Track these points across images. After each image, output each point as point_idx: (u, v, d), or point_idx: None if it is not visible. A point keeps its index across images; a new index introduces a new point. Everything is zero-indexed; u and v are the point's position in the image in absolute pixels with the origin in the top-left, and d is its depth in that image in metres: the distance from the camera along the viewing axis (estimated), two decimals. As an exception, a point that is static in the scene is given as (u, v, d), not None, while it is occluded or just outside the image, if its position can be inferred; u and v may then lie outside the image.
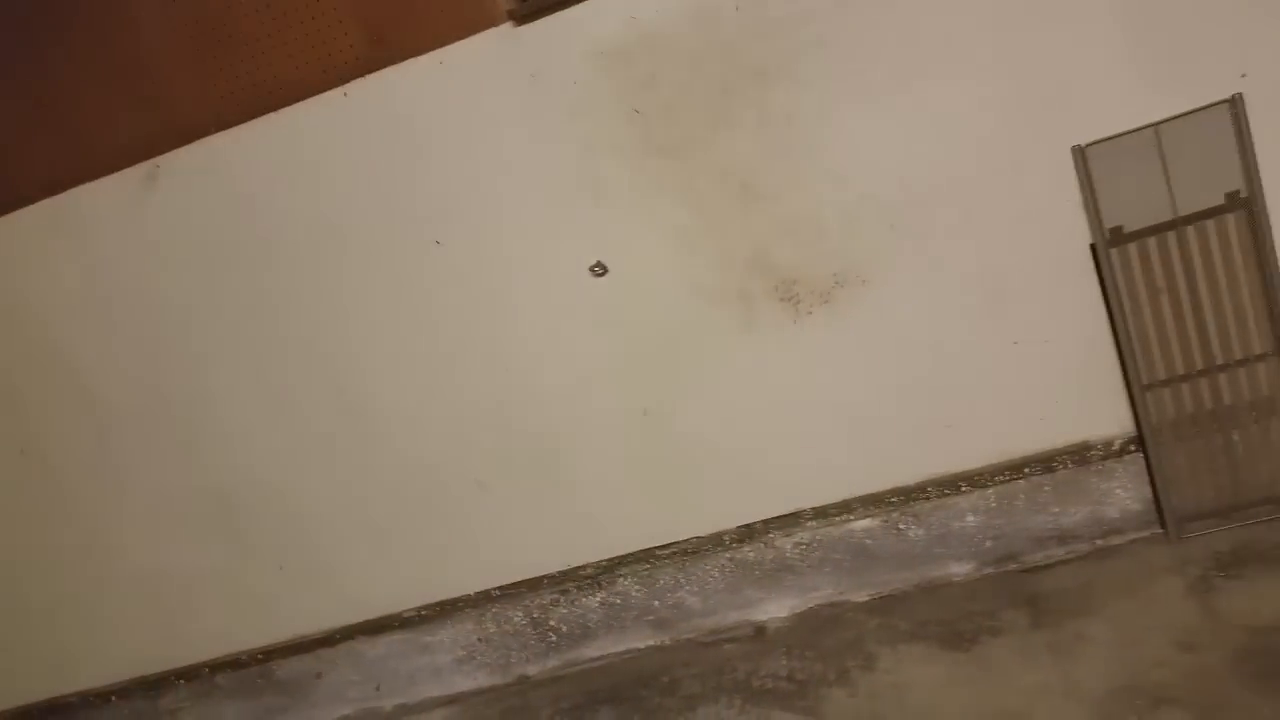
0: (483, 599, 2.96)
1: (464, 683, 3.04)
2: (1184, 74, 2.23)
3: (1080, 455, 2.55)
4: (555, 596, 2.92)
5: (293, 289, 2.69)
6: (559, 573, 2.90)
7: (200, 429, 2.90)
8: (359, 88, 2.43)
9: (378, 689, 3.08)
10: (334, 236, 2.61)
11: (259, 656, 3.09)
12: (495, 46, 2.36)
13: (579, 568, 2.89)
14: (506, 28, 2.35)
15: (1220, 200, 2.32)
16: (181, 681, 3.15)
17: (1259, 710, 2.01)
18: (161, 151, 2.58)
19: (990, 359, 2.50)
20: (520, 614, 2.96)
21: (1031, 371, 2.50)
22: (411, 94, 2.43)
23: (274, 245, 2.65)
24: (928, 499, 2.64)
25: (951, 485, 2.62)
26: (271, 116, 2.48)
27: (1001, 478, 2.60)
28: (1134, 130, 2.28)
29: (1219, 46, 2.21)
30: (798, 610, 2.81)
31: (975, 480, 2.61)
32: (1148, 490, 2.55)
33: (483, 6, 2.33)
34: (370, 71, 2.41)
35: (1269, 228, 2.31)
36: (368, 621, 3.03)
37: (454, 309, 2.62)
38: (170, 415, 2.91)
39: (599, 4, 2.32)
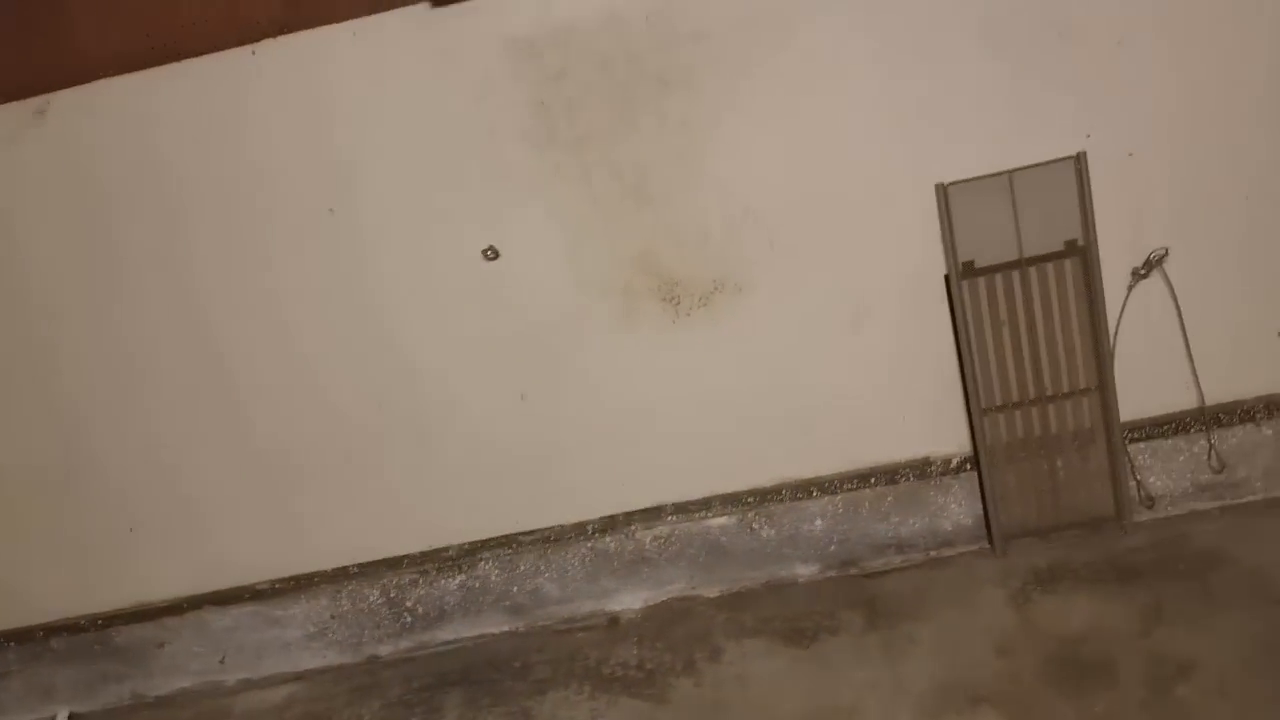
0: (340, 575, 2.95)
1: (312, 660, 3.01)
2: (1039, 129, 2.48)
3: (921, 470, 2.76)
4: (414, 577, 2.94)
5: (174, 243, 2.65)
6: (420, 553, 2.92)
7: (58, 380, 2.80)
8: (268, 48, 2.45)
9: (222, 662, 3.01)
10: (225, 194, 2.60)
11: (99, 622, 2.98)
12: (411, 24, 2.43)
13: (442, 549, 2.91)
14: (424, 8, 2.42)
15: (1060, 246, 2.57)
16: (12, 644, 3.00)
17: (1062, 711, 2.21)
18: (54, 89, 2.52)
19: (847, 372, 2.68)
20: (377, 593, 2.95)
21: (883, 387, 2.69)
22: (321, 61, 2.46)
23: (163, 197, 2.61)
24: (781, 501, 2.80)
25: (804, 489, 2.79)
26: (175, 65, 2.47)
27: (849, 485, 2.77)
28: (992, 175, 2.52)
29: (1070, 108, 2.46)
30: (651, 602, 2.91)
31: (825, 486, 2.78)
32: (979, 507, 2.77)
33: (403, -15, 2.40)
34: (282, 34, 2.43)
35: (1100, 275, 2.57)
36: (218, 591, 2.96)
37: (340, 278, 2.64)
38: (27, 365, 2.80)
39: (516, -2, 2.42)
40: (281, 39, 2.45)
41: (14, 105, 2.55)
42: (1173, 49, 2.39)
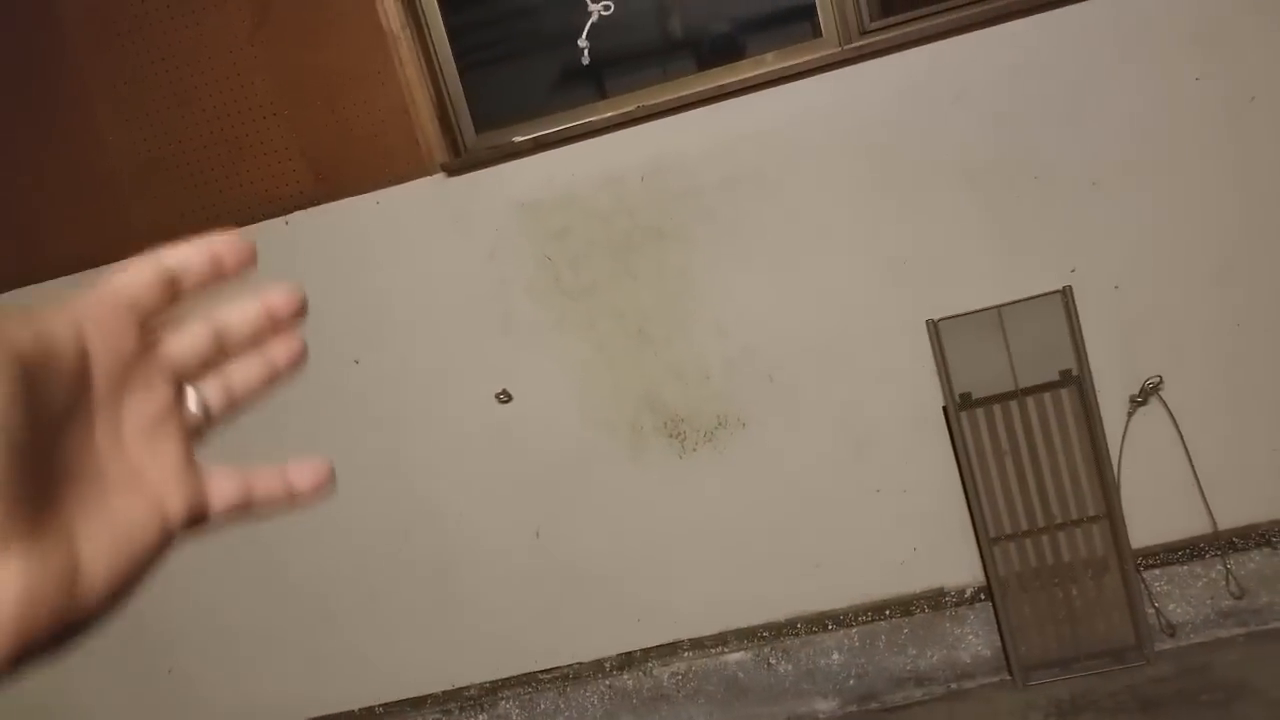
0: (367, 715, 3.01)
1: (339, 802, 3.04)
2: (1024, 265, 2.58)
3: (935, 601, 2.76)
4: (438, 717, 2.98)
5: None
6: (443, 693, 2.97)
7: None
8: (300, 218, 2.69)
9: (250, 805, 3.05)
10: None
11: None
12: (428, 192, 2.65)
13: (463, 688, 2.96)
14: (439, 177, 2.64)
15: (1055, 376, 2.64)
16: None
17: None
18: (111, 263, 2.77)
19: (854, 505, 2.73)
20: (402, 733, 3.00)
21: (891, 518, 2.73)
22: (347, 227, 2.68)
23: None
24: (797, 635, 2.81)
25: (819, 623, 2.80)
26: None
27: (864, 618, 2.78)
28: (980, 310, 2.61)
29: (1053, 245, 2.57)
30: (671, 741, 2.91)
31: (840, 619, 2.79)
32: (997, 638, 2.75)
33: (420, 159, 2.63)
34: (312, 205, 2.67)
35: (1097, 403, 2.62)
36: (248, 733, 3.04)
37: (364, 425, 2.80)
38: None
39: (523, 165, 2.64)
40: (313, 209, 2.68)
41: (75, 275, 2.80)
42: (1144, 187, 2.50)
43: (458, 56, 2.72)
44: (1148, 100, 2.47)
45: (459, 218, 2.66)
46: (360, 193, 2.66)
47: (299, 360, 0.44)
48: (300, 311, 0.43)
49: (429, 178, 2.64)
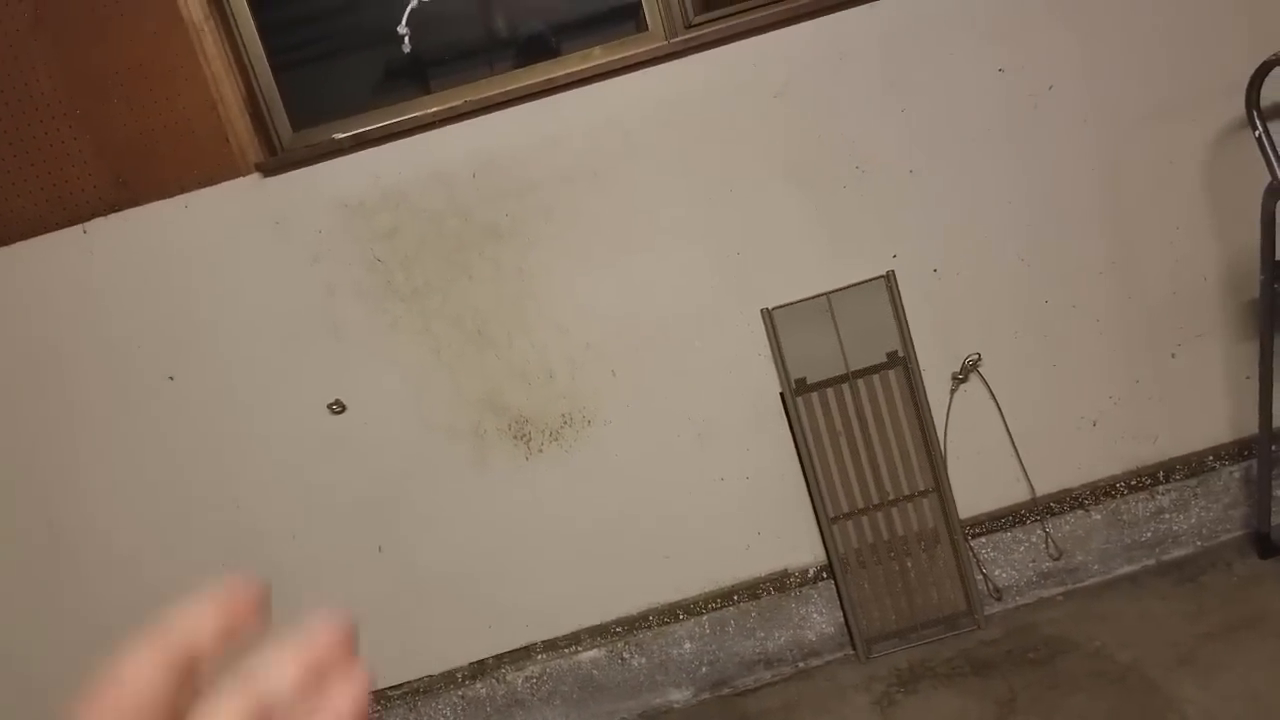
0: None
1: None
2: (850, 252, 2.67)
3: (780, 582, 2.82)
4: (282, 745, 2.83)
5: (15, 420, 2.61)
6: (287, 718, 2.83)
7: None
8: (99, 225, 2.48)
9: None
10: (62, 368, 2.58)
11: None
12: (242, 194, 2.49)
13: (308, 712, 2.82)
14: (254, 178, 2.49)
15: (883, 358, 2.74)
16: None
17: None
18: None
19: (699, 493, 2.76)
20: (244, 766, 2.83)
21: (735, 505, 2.77)
22: (154, 234, 2.50)
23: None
24: (649, 628, 2.82)
25: (670, 614, 2.82)
26: (2, 249, 2.48)
27: (714, 605, 2.82)
28: (811, 297, 2.68)
29: (875, 232, 2.66)
30: (529, 746, 2.87)
31: (691, 608, 2.82)
32: (840, 614, 2.84)
33: (231, 158, 2.47)
34: (113, 211, 2.47)
35: (922, 382, 2.74)
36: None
37: (184, 443, 2.62)
38: None
39: (345, 163, 2.52)
40: (113, 215, 2.48)
41: None
42: (955, 174, 2.62)
43: (272, 53, 2.58)
44: (957, 91, 2.58)
45: (278, 220, 2.52)
46: (166, 196, 2.48)
47: (365, 699, 0.36)
48: (352, 640, 0.36)
49: (243, 178, 2.49)
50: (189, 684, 0.33)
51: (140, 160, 2.45)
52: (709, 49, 2.53)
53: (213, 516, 2.68)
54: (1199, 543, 2.87)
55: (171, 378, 2.58)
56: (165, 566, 2.70)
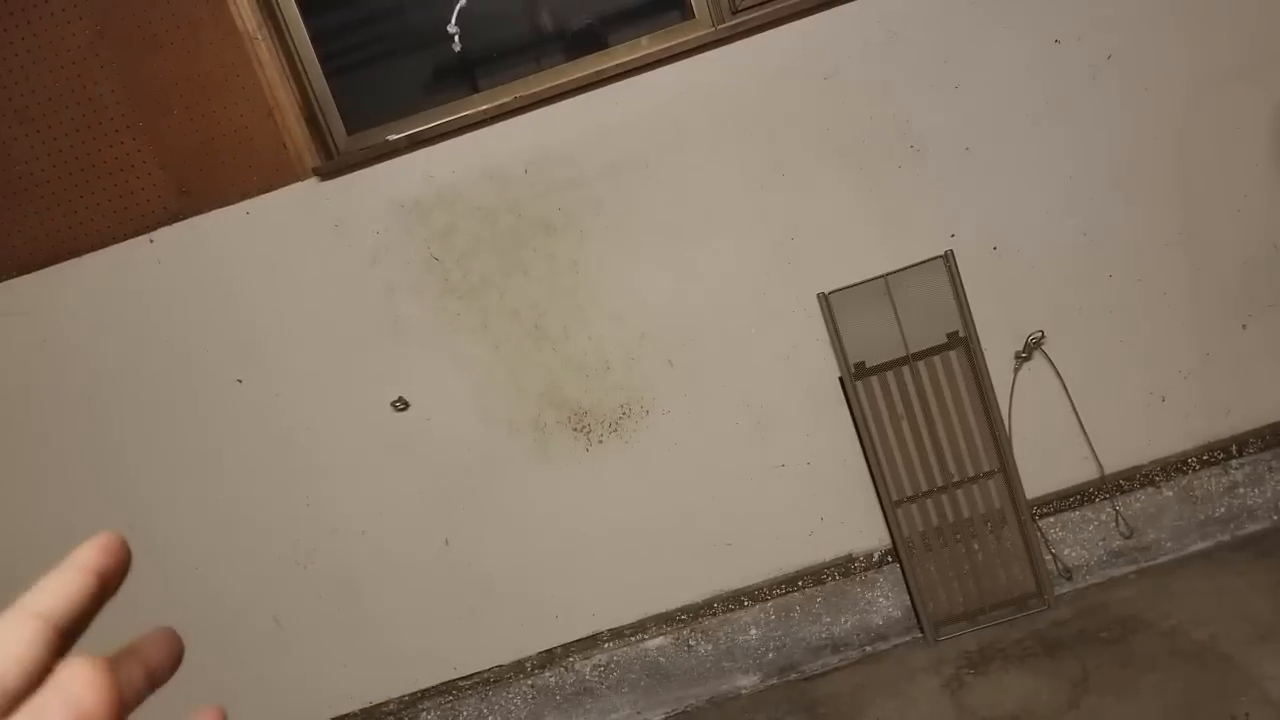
0: (283, 743, 2.91)
1: (261, 836, 2.93)
2: (907, 233, 2.64)
3: (845, 567, 2.81)
4: (358, 736, 2.90)
5: (92, 427, 2.69)
6: (361, 710, 2.89)
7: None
8: (165, 235, 2.54)
9: None
10: (136, 375, 2.65)
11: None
12: (301, 199, 2.54)
13: (381, 704, 2.89)
14: (312, 182, 2.54)
15: (943, 339, 2.71)
16: None
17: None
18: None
19: (760, 480, 2.76)
20: (322, 756, 2.91)
21: (797, 491, 2.77)
22: (217, 241, 2.56)
23: (75, 385, 2.66)
24: (714, 615, 2.83)
25: (735, 600, 2.82)
26: (75, 261, 2.55)
27: (778, 591, 2.82)
28: (868, 280, 2.66)
29: (932, 212, 2.63)
30: (599, 733, 2.90)
31: (755, 595, 2.82)
32: (906, 598, 2.82)
33: (289, 164, 2.51)
34: (177, 220, 2.53)
35: (984, 362, 2.70)
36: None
37: (254, 445, 2.69)
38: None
39: (400, 164, 2.55)
40: (178, 224, 2.54)
41: (-81, 312, 2.61)
42: (1013, 149, 2.57)
43: (324, 59, 2.61)
44: (1012, 64, 2.53)
45: (336, 222, 2.56)
46: (228, 204, 2.53)
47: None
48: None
49: (301, 183, 2.53)
50: (59, 648, 0.33)
51: (202, 169, 2.51)
52: (756, 34, 2.51)
53: (286, 516, 2.74)
54: (1276, 517, 2.80)
55: (240, 381, 2.64)
56: (239, 568, 2.77)
